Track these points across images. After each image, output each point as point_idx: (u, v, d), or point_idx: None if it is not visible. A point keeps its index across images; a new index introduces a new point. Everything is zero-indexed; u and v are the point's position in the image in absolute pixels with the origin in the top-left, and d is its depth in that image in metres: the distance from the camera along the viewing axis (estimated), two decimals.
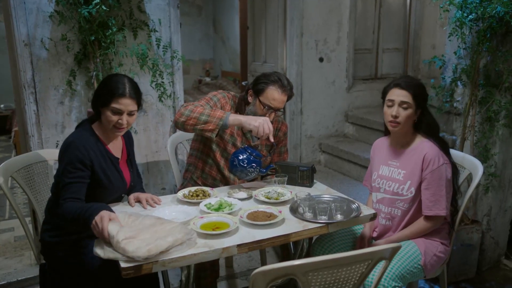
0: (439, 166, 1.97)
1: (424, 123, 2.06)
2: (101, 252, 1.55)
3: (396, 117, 1.98)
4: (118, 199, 2.06)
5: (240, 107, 2.35)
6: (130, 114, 1.89)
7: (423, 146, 2.03)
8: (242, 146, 2.15)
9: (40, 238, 1.96)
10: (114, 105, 1.84)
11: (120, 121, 1.87)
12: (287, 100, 2.26)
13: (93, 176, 1.86)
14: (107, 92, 1.86)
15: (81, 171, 1.80)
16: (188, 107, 2.12)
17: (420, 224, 2.03)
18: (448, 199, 2.00)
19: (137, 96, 1.91)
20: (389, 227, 2.12)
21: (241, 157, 2.07)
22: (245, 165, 2.06)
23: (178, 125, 2.14)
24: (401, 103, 1.98)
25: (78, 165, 1.79)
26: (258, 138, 2.14)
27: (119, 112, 1.86)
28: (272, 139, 2.07)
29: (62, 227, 1.86)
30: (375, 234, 2.18)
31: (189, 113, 2.09)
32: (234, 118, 2.07)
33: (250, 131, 2.15)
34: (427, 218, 2.01)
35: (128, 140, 2.12)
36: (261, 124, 2.03)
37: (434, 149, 2.00)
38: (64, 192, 1.78)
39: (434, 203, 1.97)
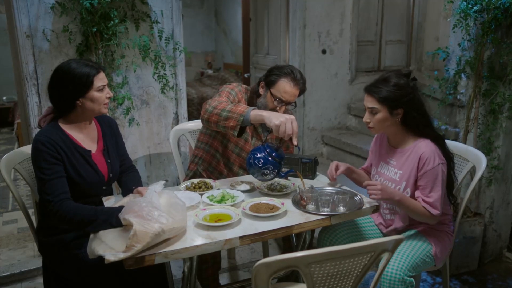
0: (434, 167, 1.92)
1: (410, 121, 1.97)
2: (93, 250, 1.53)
3: (368, 122, 2.01)
4: (99, 193, 1.95)
5: (252, 100, 2.29)
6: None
7: (419, 145, 1.98)
8: (262, 144, 1.97)
9: (36, 237, 1.94)
10: (98, 83, 1.83)
11: (108, 94, 1.88)
12: (299, 94, 2.21)
13: (65, 172, 1.80)
14: (82, 77, 1.80)
15: (57, 166, 1.76)
16: (212, 103, 2.04)
17: (421, 207, 1.95)
18: (443, 200, 1.97)
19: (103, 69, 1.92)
20: (393, 221, 2.12)
21: (257, 155, 1.91)
22: (260, 165, 1.89)
23: (203, 123, 2.08)
24: (370, 109, 1.98)
25: (52, 160, 1.75)
26: (269, 132, 2.01)
27: (103, 88, 1.86)
28: (295, 142, 1.86)
29: (56, 226, 1.82)
30: (382, 228, 2.18)
31: (211, 109, 2.00)
32: (256, 114, 1.92)
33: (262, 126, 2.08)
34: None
35: (108, 129, 2.03)
36: (283, 123, 1.83)
37: (430, 148, 1.94)
38: (51, 190, 1.72)
39: (430, 204, 1.93)
